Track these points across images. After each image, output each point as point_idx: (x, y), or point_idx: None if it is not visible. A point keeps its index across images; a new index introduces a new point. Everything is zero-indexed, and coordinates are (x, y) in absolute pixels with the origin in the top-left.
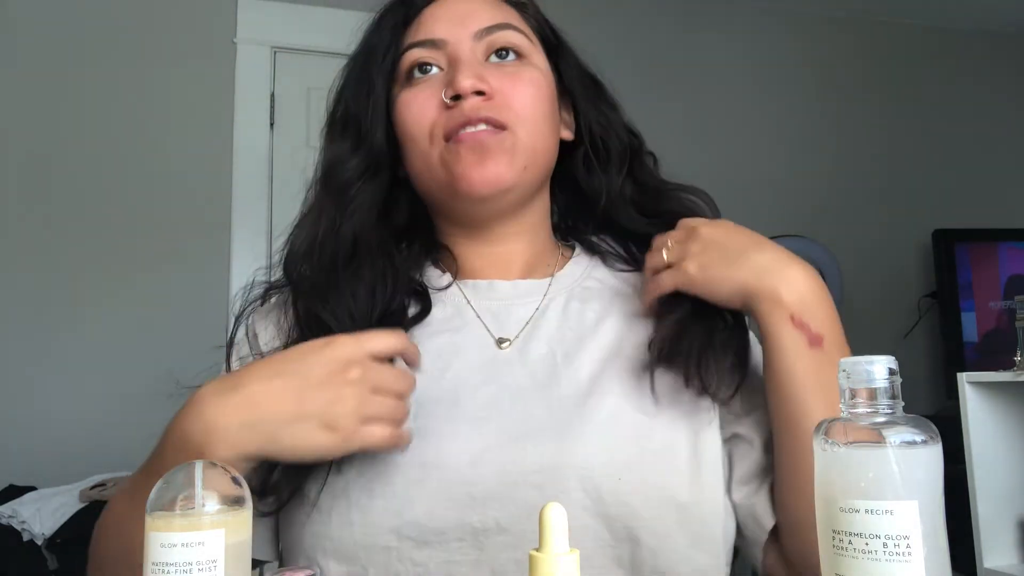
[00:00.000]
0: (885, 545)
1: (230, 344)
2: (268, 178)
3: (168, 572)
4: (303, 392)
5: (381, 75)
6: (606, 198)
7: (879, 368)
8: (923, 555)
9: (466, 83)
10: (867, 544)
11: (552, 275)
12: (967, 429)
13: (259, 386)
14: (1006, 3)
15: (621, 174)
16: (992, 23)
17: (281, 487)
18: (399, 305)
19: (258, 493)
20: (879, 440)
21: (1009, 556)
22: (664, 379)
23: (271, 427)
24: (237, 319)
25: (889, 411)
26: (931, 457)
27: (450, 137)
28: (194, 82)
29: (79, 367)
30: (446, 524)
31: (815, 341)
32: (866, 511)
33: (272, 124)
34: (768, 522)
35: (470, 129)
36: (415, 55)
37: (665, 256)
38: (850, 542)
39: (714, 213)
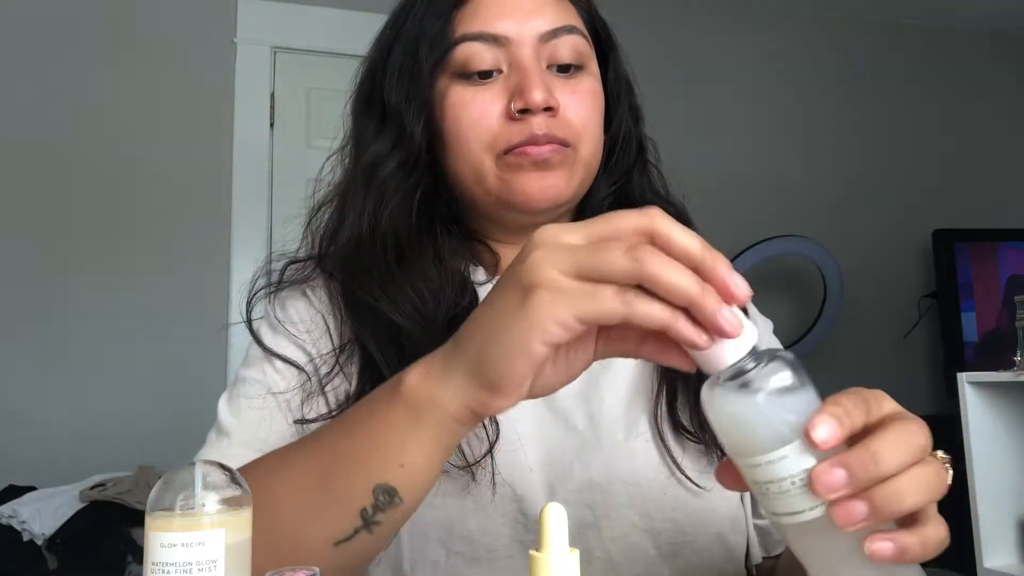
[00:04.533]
0: (793, 483)
1: (251, 320)
2: (268, 178)
3: (168, 572)
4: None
5: (429, 64)
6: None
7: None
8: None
9: (538, 98)
10: (780, 486)
11: None
12: (967, 429)
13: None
14: (1006, 3)
15: (609, 187)
16: (992, 23)
17: None
18: (469, 304)
19: None
20: (749, 392)
21: (1009, 556)
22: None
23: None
24: (251, 298)
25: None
26: (800, 400)
27: (511, 151)
28: (194, 82)
29: (79, 367)
30: (498, 541)
31: None
32: (767, 463)
33: (272, 124)
34: (774, 548)
35: (535, 148)
36: (473, 49)
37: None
38: (767, 488)
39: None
